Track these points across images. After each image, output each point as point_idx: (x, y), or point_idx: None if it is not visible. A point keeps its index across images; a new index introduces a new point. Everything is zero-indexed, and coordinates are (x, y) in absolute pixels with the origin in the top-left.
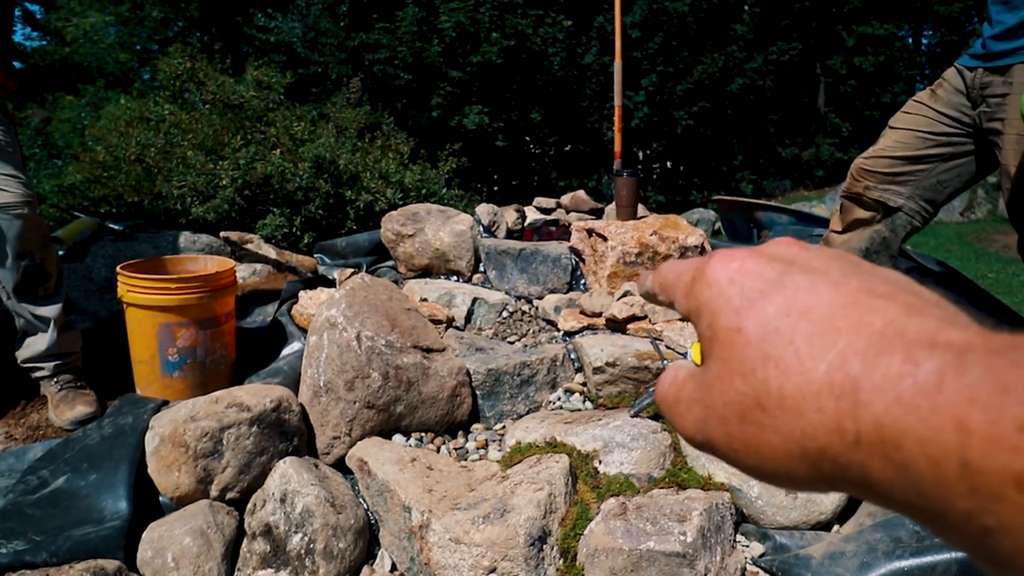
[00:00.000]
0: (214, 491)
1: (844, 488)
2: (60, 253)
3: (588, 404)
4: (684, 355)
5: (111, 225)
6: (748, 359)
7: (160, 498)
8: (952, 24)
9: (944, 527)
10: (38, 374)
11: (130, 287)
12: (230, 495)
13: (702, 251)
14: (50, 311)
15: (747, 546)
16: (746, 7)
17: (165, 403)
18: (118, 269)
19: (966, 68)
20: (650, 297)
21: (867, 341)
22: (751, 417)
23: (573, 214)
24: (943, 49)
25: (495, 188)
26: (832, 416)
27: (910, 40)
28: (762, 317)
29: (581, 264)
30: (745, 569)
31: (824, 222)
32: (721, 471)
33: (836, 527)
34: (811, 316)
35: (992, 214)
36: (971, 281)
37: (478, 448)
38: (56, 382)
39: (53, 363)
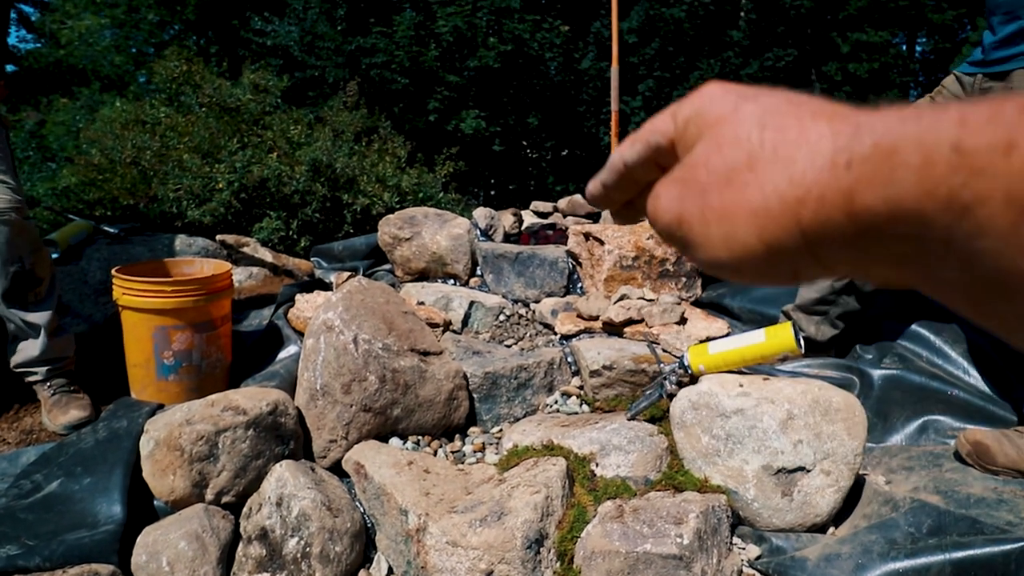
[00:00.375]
0: (209, 495)
1: (819, 242)
2: (54, 256)
3: (585, 407)
4: (680, 358)
5: (106, 228)
6: (743, 127)
7: (155, 502)
8: (945, 32)
9: (921, 222)
10: (31, 378)
11: (125, 290)
12: (226, 499)
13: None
14: (40, 317)
15: (743, 548)
16: (742, 14)
17: (160, 407)
18: (113, 272)
19: (965, 74)
20: (600, 196)
21: (806, 124)
22: (737, 178)
23: (570, 218)
24: (937, 56)
25: (492, 192)
26: (828, 154)
27: (904, 47)
28: (762, 103)
29: (578, 268)
30: (741, 571)
31: None
32: (718, 474)
33: (831, 529)
34: (812, 105)
35: None
36: None
37: (475, 451)
38: (49, 386)
39: (46, 368)
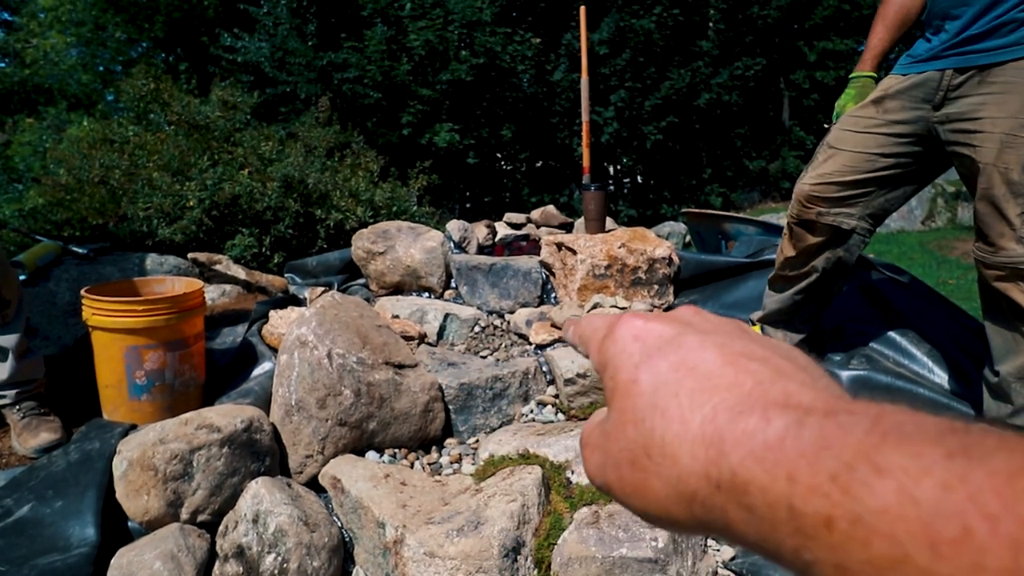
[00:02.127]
0: (185, 514)
1: (713, 529)
2: (22, 278)
3: (560, 416)
4: None
5: (75, 248)
6: (640, 409)
7: (129, 523)
8: (909, 40)
9: (781, 561)
10: (0, 402)
11: (95, 310)
12: (201, 517)
13: (670, 262)
14: (8, 340)
15: (718, 550)
16: (711, 24)
17: (133, 427)
18: (83, 292)
19: (928, 69)
20: (573, 346)
21: (736, 399)
22: (639, 463)
23: (543, 229)
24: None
25: (467, 205)
26: (702, 464)
27: None
28: (656, 371)
29: (551, 278)
30: (716, 572)
31: None
32: None
33: None
34: (696, 372)
35: (952, 222)
36: (932, 288)
37: (452, 462)
38: (19, 409)
39: (15, 391)
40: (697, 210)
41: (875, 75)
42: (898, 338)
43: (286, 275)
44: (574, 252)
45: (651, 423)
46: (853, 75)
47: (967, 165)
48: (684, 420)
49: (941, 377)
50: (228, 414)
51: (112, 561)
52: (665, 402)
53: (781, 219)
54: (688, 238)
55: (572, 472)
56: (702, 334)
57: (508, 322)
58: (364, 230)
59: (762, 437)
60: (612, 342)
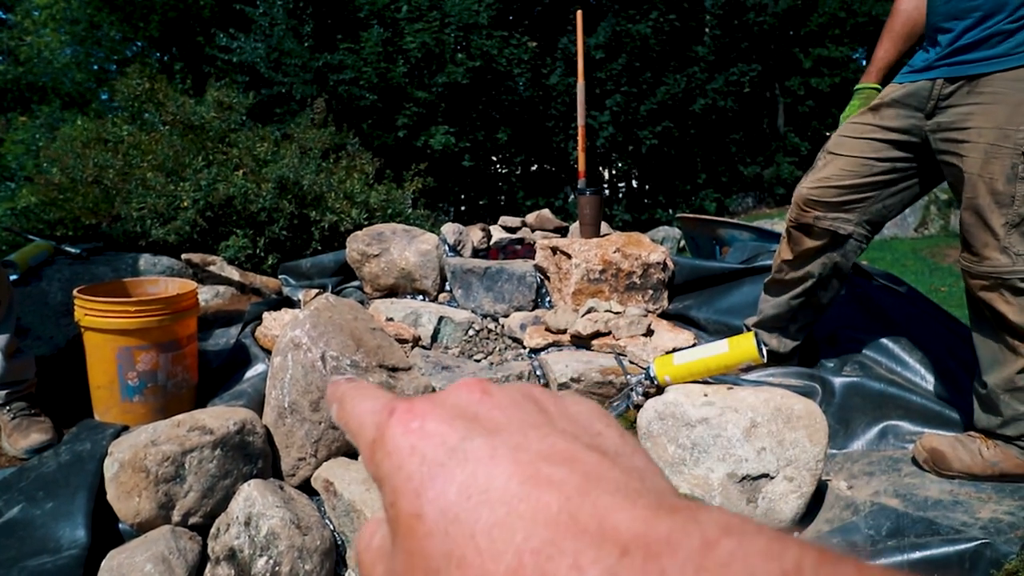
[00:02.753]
0: (176, 516)
1: None
2: (14, 277)
3: None
4: (646, 369)
5: (67, 248)
6: (432, 556)
7: (120, 525)
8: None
9: None
10: None
11: (88, 311)
12: (193, 520)
13: (664, 268)
14: None
15: None
16: (707, 29)
17: (125, 428)
18: (75, 292)
19: (921, 79)
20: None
21: (543, 534)
22: None
23: (538, 233)
24: (895, 71)
25: (462, 208)
26: None
27: (864, 62)
28: (442, 502)
29: (546, 282)
30: None
31: None
32: (684, 483)
33: (795, 534)
34: (490, 498)
35: (944, 230)
36: (924, 296)
37: None
38: (9, 410)
39: (5, 391)
40: (691, 215)
41: (879, 87)
42: (891, 345)
43: (280, 277)
44: (569, 256)
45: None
46: (858, 87)
47: (954, 174)
48: (486, 572)
49: (933, 384)
50: (221, 416)
51: (102, 563)
52: (460, 548)
53: (775, 225)
54: (682, 243)
55: None
56: (491, 435)
57: (502, 326)
58: (359, 232)
59: None
60: (385, 455)
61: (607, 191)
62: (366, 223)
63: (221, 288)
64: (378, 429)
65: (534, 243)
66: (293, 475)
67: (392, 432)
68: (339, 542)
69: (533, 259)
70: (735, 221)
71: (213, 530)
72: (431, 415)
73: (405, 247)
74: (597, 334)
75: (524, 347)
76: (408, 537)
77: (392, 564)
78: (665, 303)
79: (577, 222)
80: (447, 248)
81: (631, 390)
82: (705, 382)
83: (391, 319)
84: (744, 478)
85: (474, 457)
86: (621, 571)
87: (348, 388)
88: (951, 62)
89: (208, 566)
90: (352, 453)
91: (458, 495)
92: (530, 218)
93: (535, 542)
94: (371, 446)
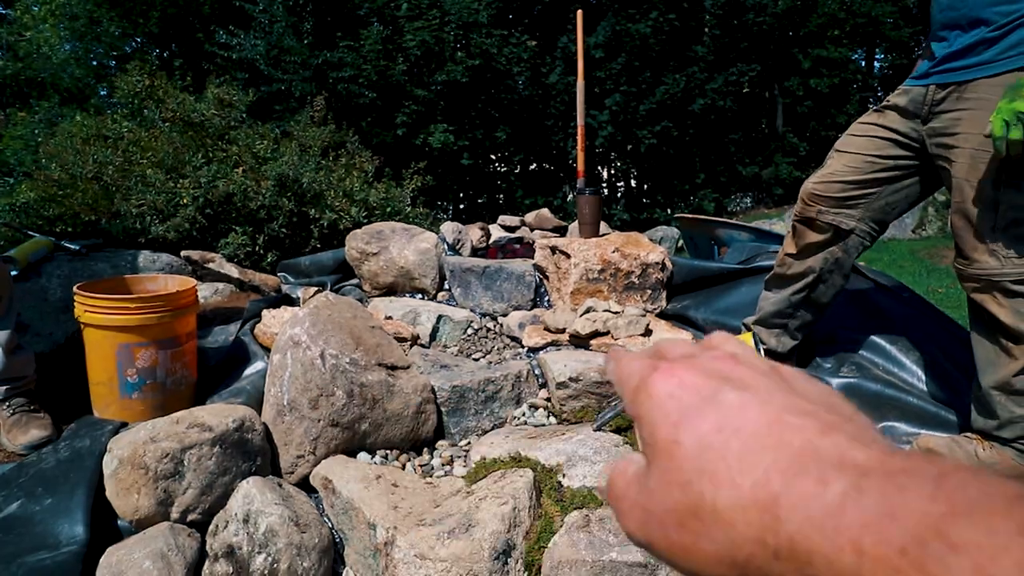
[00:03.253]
0: (175, 513)
1: None
2: (13, 273)
3: (552, 419)
4: None
5: (67, 244)
6: (686, 471)
7: (119, 522)
8: (902, 48)
9: None
10: None
11: (87, 307)
12: (192, 517)
13: (663, 268)
14: None
15: None
16: (706, 29)
17: (124, 425)
18: (75, 289)
19: (917, 85)
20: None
21: (788, 460)
22: (689, 525)
23: (537, 232)
24: (894, 72)
25: (461, 206)
26: (757, 529)
27: (863, 63)
28: (698, 432)
29: (545, 281)
30: None
31: (781, 239)
32: None
33: None
34: (741, 434)
35: (942, 231)
36: (921, 297)
37: (443, 464)
38: (8, 406)
39: (5, 387)
40: (690, 215)
41: None
42: (888, 346)
43: (279, 274)
44: (568, 256)
45: (699, 486)
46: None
47: (946, 178)
48: (735, 484)
49: (930, 385)
50: (220, 413)
51: (101, 560)
52: (713, 465)
53: (774, 225)
54: (681, 243)
55: (563, 475)
56: (741, 391)
57: (501, 325)
58: (358, 230)
59: (821, 503)
60: (646, 396)
61: (606, 190)
62: (365, 221)
63: (220, 285)
64: (642, 379)
65: (533, 242)
66: (292, 473)
67: (655, 381)
68: (337, 540)
69: (532, 258)
70: (733, 221)
71: (212, 527)
72: (689, 372)
73: (404, 246)
74: (596, 334)
75: (523, 346)
76: (666, 457)
77: (647, 482)
78: (663, 303)
79: (576, 222)
80: (446, 247)
81: None
82: None
83: (390, 317)
84: None
85: (726, 404)
86: (864, 484)
87: (625, 352)
88: (942, 69)
89: (207, 563)
90: (350, 451)
91: (711, 430)
92: (529, 217)
93: (781, 464)
94: (634, 391)
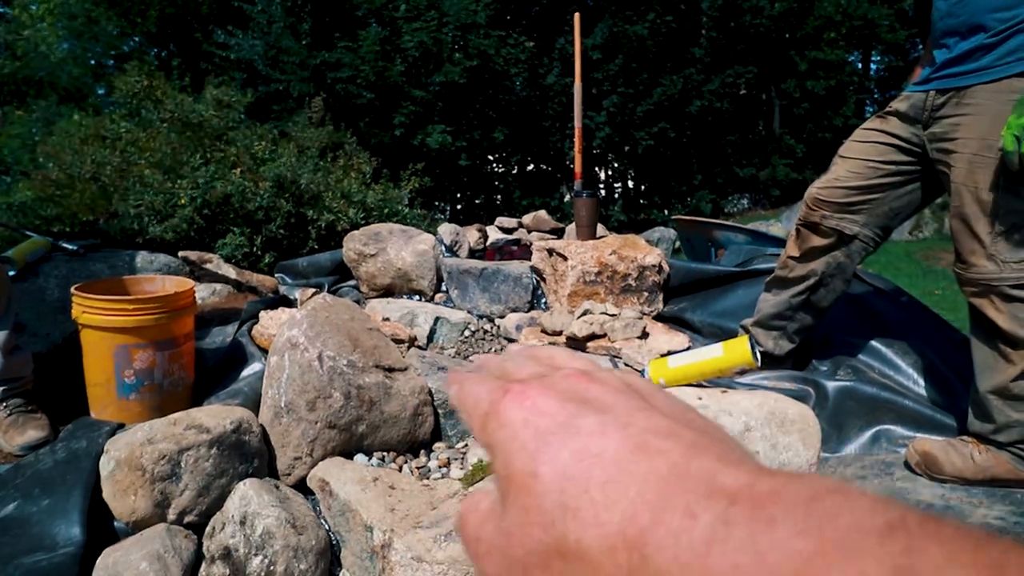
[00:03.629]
0: (172, 515)
1: None
2: (11, 273)
3: None
4: (642, 372)
5: (64, 245)
6: (547, 509)
7: (115, 523)
8: (898, 50)
9: None
10: None
11: (85, 308)
12: (188, 518)
13: (660, 270)
14: None
15: None
16: (703, 32)
17: (121, 426)
18: (73, 290)
19: (918, 91)
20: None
21: (654, 490)
22: (554, 567)
23: (534, 234)
24: (890, 74)
25: (458, 207)
26: (626, 571)
27: (859, 65)
28: (557, 463)
29: (542, 283)
30: None
31: (778, 241)
32: None
33: None
34: (603, 461)
35: (939, 233)
36: (918, 301)
37: (440, 467)
38: (5, 407)
39: (2, 388)
40: (687, 217)
41: None
42: (884, 349)
43: (277, 275)
44: (565, 258)
45: (562, 526)
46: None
47: (946, 183)
48: (600, 523)
49: (926, 389)
50: (217, 415)
51: (98, 561)
52: (576, 501)
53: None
54: (678, 244)
55: None
56: (599, 414)
57: (498, 327)
58: (356, 232)
59: (687, 540)
60: (498, 424)
61: (603, 191)
62: (363, 222)
63: (218, 286)
64: (492, 405)
65: (530, 244)
66: (289, 474)
67: (506, 407)
68: (334, 542)
69: (529, 260)
70: (731, 223)
71: (208, 529)
72: (543, 395)
73: (402, 247)
74: (592, 336)
75: None
76: (523, 494)
77: (504, 521)
78: (660, 305)
79: (574, 224)
80: (443, 248)
81: None
82: (699, 385)
83: (387, 319)
84: None
85: (586, 431)
86: (732, 516)
87: (467, 374)
88: (942, 75)
89: (203, 565)
90: (347, 453)
91: (571, 458)
92: (527, 219)
93: (648, 495)
94: (483, 418)
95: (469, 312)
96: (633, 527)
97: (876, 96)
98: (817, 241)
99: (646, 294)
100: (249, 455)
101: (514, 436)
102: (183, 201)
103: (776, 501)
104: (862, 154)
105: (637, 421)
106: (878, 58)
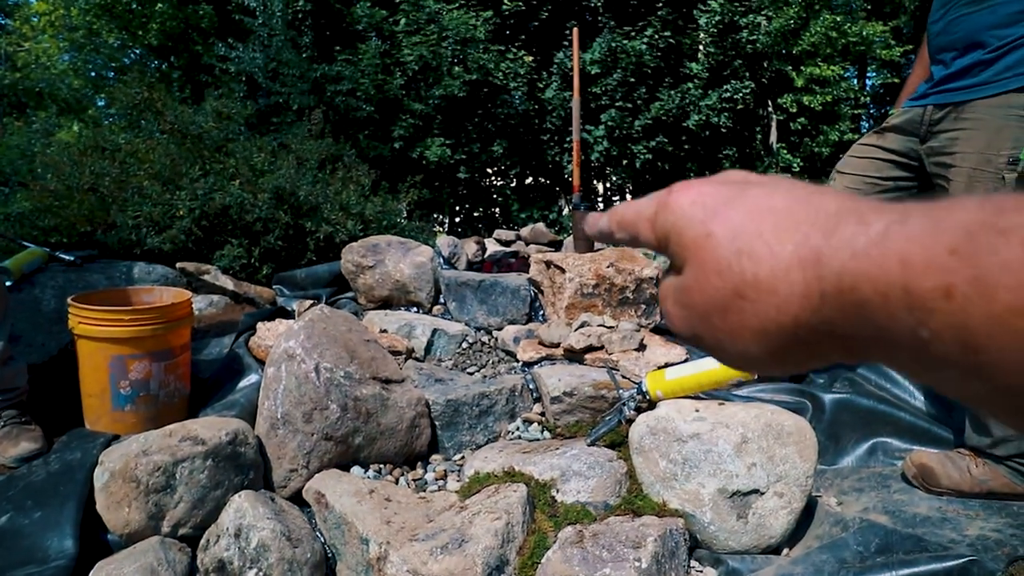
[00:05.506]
0: (166, 527)
1: (820, 350)
2: (7, 284)
3: (546, 434)
4: (639, 384)
5: (62, 255)
6: (722, 257)
7: (108, 536)
8: (894, 67)
9: (895, 352)
10: None
11: (81, 319)
12: (183, 531)
13: (657, 282)
14: None
15: (700, 571)
16: (701, 47)
17: (116, 438)
18: (69, 300)
19: (915, 106)
20: (603, 236)
21: (825, 220)
22: (732, 306)
23: (532, 246)
24: (886, 90)
25: (456, 219)
26: (800, 285)
27: (855, 81)
28: (730, 222)
29: (540, 296)
30: None
31: None
32: (675, 498)
33: (785, 551)
34: (775, 213)
35: None
36: None
37: (437, 479)
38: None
39: None
40: None
41: None
42: None
43: (274, 287)
44: (563, 271)
45: (738, 267)
46: (892, 112)
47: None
48: (774, 254)
49: (922, 402)
50: (213, 426)
51: (91, 574)
52: (749, 245)
53: None
54: None
55: (557, 490)
56: (763, 186)
57: (496, 339)
58: (354, 243)
59: (864, 238)
60: (669, 212)
61: (601, 204)
62: (361, 234)
63: (215, 297)
64: (659, 203)
65: (528, 257)
66: (284, 487)
67: (675, 197)
68: (330, 555)
69: (527, 273)
70: None
71: (203, 541)
72: (706, 184)
73: (400, 259)
74: (590, 348)
75: (517, 360)
76: (698, 253)
77: (680, 282)
78: (658, 318)
79: (572, 236)
80: (442, 260)
81: (623, 405)
82: (697, 397)
83: (385, 331)
84: (735, 494)
85: (752, 195)
86: (909, 215)
87: (621, 204)
88: (940, 90)
89: None
90: (344, 465)
91: (743, 217)
92: (525, 231)
93: (820, 225)
94: (652, 218)
95: (467, 324)
96: (806, 248)
97: (872, 111)
98: None
99: (643, 306)
100: (245, 467)
101: (684, 215)
102: (181, 212)
103: (951, 201)
104: (860, 170)
105: (799, 189)
106: (873, 74)
